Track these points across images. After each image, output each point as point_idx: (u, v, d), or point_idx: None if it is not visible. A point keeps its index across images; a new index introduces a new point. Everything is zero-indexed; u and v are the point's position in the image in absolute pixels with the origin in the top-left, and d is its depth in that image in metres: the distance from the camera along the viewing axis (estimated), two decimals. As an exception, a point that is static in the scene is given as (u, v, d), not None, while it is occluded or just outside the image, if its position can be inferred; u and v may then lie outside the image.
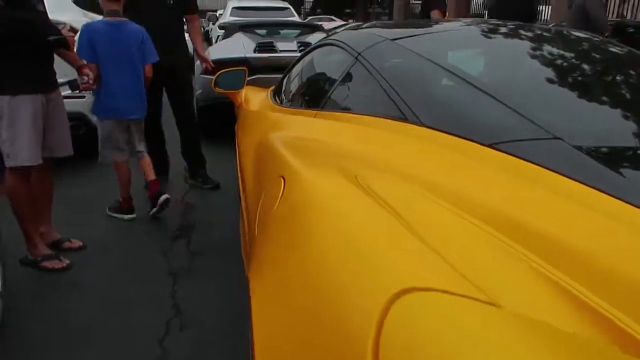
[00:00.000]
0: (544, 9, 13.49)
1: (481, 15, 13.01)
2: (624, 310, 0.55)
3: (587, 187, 0.78)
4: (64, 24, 2.73)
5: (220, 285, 2.33)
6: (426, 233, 0.66)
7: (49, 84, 2.40)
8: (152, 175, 3.06)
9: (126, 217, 3.08)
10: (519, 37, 1.57)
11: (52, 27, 2.34)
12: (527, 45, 1.53)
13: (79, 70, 2.60)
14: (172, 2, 3.40)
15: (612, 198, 0.75)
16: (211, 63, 3.77)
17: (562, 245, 0.66)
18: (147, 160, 3.11)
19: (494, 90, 1.15)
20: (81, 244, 2.69)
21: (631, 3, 11.02)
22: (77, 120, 3.68)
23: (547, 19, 11.89)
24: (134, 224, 3.05)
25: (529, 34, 1.62)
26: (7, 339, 1.93)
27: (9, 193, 2.37)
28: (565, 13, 4.69)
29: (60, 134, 2.49)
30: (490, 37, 1.60)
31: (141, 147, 3.11)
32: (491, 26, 1.68)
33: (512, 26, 1.69)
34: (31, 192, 2.43)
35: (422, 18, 5.64)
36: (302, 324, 0.65)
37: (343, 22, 17.13)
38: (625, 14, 11.27)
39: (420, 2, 6.18)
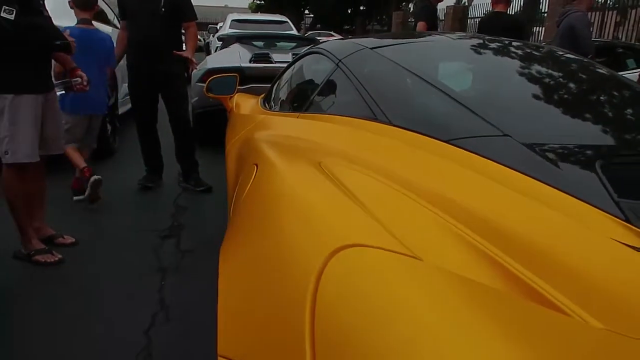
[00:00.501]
0: (538, 29, 13.75)
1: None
2: (528, 268, 0.65)
3: (521, 175, 0.89)
4: (66, 28, 2.86)
5: (208, 282, 2.38)
6: (370, 205, 0.76)
7: (47, 84, 2.52)
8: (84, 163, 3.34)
9: (75, 198, 3.37)
10: (489, 48, 1.69)
11: (58, 32, 2.47)
12: (494, 55, 1.65)
13: (72, 72, 2.72)
14: (162, 11, 3.47)
15: (541, 183, 0.86)
16: (195, 64, 3.77)
17: (488, 218, 0.76)
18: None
19: (455, 93, 1.26)
20: (73, 239, 2.77)
21: (626, 27, 11.25)
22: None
23: (540, 40, 12.13)
24: (126, 222, 3.13)
25: (500, 46, 1.74)
26: (-2, 326, 2.01)
27: (5, 189, 2.46)
28: (555, 33, 4.82)
29: (54, 132, 2.59)
30: (460, 48, 1.72)
31: (94, 140, 3.57)
32: (465, 38, 1.81)
33: (486, 39, 1.81)
34: (26, 188, 2.52)
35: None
36: (258, 280, 0.75)
37: (341, 37, 17.38)
38: (620, 37, 11.50)
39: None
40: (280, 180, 0.99)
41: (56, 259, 2.54)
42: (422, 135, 1.13)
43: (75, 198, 3.37)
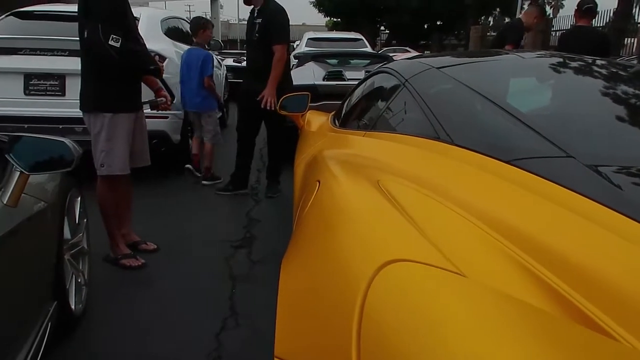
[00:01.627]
0: (631, 41, 12.91)
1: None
2: (582, 294, 0.65)
3: (581, 196, 0.88)
4: (155, 53, 3.13)
5: (275, 291, 2.50)
6: (420, 221, 0.80)
7: (138, 103, 2.76)
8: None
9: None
10: (560, 66, 1.66)
11: (152, 58, 2.72)
12: (565, 73, 1.61)
13: (157, 92, 2.96)
14: (256, 36, 3.86)
15: (602, 206, 0.84)
16: (268, 100, 3.85)
17: (541, 240, 0.77)
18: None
19: (519, 113, 1.26)
20: (155, 246, 2.99)
21: None
22: (161, 138, 4.09)
23: (631, 52, 11.37)
24: (202, 232, 3.33)
25: (573, 64, 1.70)
26: (86, 321, 2.21)
27: (99, 198, 2.71)
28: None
29: (141, 147, 2.83)
30: (528, 66, 1.70)
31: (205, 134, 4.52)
32: (535, 57, 1.78)
33: (558, 57, 1.77)
34: (116, 198, 2.77)
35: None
36: (312, 289, 0.81)
37: (418, 53, 17.29)
38: None
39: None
40: (338, 197, 1.05)
41: (139, 263, 2.76)
42: (482, 155, 1.14)
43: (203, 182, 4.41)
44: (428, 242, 0.74)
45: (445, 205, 0.88)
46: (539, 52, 2.22)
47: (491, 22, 23.69)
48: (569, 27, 10.87)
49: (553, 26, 13.96)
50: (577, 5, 4.56)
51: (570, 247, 0.75)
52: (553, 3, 38.35)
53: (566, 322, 0.61)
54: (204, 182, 4.42)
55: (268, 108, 3.78)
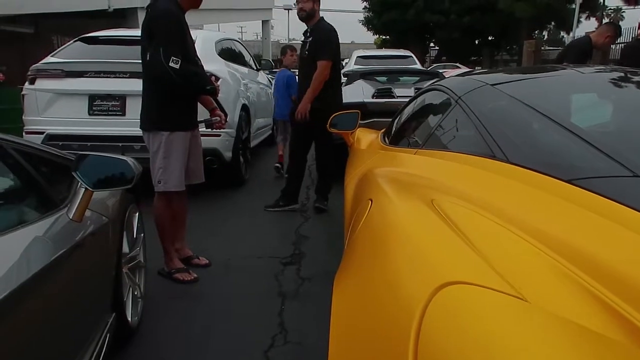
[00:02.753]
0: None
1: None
2: None
3: None
4: (210, 73, 3.24)
5: (324, 309, 2.49)
6: (477, 243, 0.78)
7: (194, 122, 2.86)
8: None
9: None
10: (621, 81, 1.59)
11: (208, 78, 2.82)
12: (627, 89, 1.54)
13: (212, 112, 3.05)
14: (306, 54, 3.98)
15: None
16: (303, 110, 3.99)
17: (607, 264, 0.73)
18: None
19: (579, 130, 1.21)
20: (207, 261, 3.06)
21: None
22: (213, 155, 4.21)
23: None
24: (252, 248, 3.38)
25: (636, 78, 1.62)
26: (140, 334, 2.28)
27: (155, 214, 2.81)
28: None
29: (196, 164, 2.92)
30: (586, 82, 1.64)
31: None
32: (594, 72, 1.71)
33: (619, 72, 1.70)
34: (172, 213, 2.86)
35: None
36: (366, 310, 0.80)
37: (468, 69, 17.03)
38: None
39: (552, 48, 5.84)
40: (392, 216, 1.04)
41: (192, 277, 2.83)
42: (540, 174, 1.10)
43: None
44: (486, 264, 0.71)
45: (502, 226, 0.86)
46: (597, 67, 2.13)
47: (545, 37, 22.99)
48: (630, 40, 10.39)
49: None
50: None
51: (637, 270, 0.71)
52: (612, 15, 36.91)
53: (634, 350, 0.58)
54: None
55: (300, 119, 3.93)
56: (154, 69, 2.58)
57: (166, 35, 2.55)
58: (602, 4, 21.58)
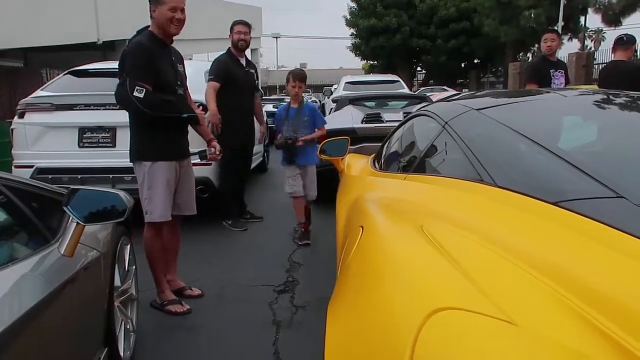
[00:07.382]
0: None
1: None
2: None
3: (634, 239, 0.85)
4: (199, 103, 3.27)
5: (319, 337, 2.47)
6: (468, 268, 0.79)
7: (182, 152, 2.86)
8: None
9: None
10: (602, 103, 1.63)
11: (187, 107, 2.83)
12: (608, 111, 1.58)
13: (209, 143, 3.06)
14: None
15: None
16: (265, 131, 4.55)
17: (596, 286, 0.74)
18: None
19: (564, 153, 1.24)
20: (200, 292, 3.03)
21: None
22: (204, 184, 4.21)
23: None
24: (245, 277, 3.35)
25: (617, 100, 1.66)
26: (135, 369, 2.24)
27: (145, 244, 2.79)
28: None
29: (187, 196, 2.91)
30: (569, 105, 1.68)
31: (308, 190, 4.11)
32: (576, 95, 1.76)
33: (599, 94, 1.75)
34: (162, 244, 2.84)
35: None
36: (360, 337, 0.80)
37: (455, 92, 17.27)
38: None
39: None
40: (382, 243, 1.05)
41: (185, 309, 2.79)
42: (527, 197, 1.12)
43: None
44: (476, 289, 0.73)
45: (491, 250, 0.87)
46: (580, 90, 2.19)
47: (530, 58, 23.44)
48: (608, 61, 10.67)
49: (595, 59, 13.72)
50: (614, 40, 4.50)
51: (625, 292, 0.72)
52: (594, 36, 37.82)
53: None
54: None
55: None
56: (120, 99, 2.65)
57: (132, 66, 2.60)
58: (582, 25, 22.12)
